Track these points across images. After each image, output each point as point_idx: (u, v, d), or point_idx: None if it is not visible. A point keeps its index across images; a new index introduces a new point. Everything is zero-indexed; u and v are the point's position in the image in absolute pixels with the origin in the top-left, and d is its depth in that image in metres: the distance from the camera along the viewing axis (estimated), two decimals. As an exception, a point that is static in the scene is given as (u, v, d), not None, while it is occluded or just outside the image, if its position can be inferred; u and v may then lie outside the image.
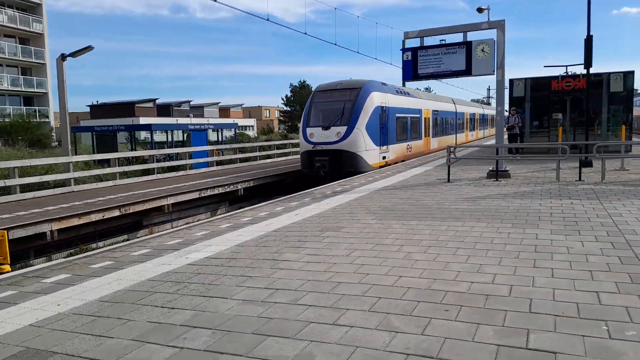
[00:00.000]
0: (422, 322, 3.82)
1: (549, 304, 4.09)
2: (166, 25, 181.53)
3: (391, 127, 20.46)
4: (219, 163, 22.33)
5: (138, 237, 13.28)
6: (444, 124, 29.80)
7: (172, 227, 14.44)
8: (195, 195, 15.08)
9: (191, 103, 59.29)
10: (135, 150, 24.98)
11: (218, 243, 7.12)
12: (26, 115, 39.98)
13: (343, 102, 18.66)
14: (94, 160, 19.03)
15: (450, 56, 14.19)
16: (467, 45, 13.83)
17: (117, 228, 12.89)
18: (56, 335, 3.93)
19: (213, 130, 30.03)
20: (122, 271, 5.81)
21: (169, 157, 22.90)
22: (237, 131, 37.75)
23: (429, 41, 14.69)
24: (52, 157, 18.18)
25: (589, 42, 14.88)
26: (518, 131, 19.73)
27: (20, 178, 14.19)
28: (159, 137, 31.73)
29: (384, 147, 19.73)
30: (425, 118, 25.31)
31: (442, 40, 16.10)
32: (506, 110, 19.14)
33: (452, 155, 13.76)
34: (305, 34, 22.26)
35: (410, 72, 14.71)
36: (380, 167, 19.06)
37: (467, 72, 14.03)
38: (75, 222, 11.27)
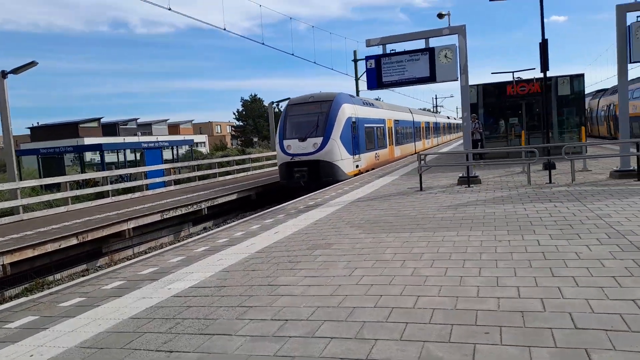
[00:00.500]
0: (467, 350, 3.40)
1: (591, 317, 3.78)
2: (106, 41, 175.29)
3: (361, 137, 21.08)
4: (176, 182, 21.33)
5: (99, 267, 12.33)
6: (404, 132, 30.81)
7: (134, 253, 13.52)
8: (157, 217, 14.18)
9: (138, 121, 57.16)
10: (85, 172, 23.60)
11: (200, 269, 6.49)
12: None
13: (317, 114, 19.15)
14: (41, 186, 17.71)
15: (413, 63, 14.07)
16: (430, 52, 13.75)
17: (74, 258, 11.86)
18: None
19: (167, 148, 28.95)
20: (98, 309, 5.11)
21: (122, 179, 21.72)
22: (192, 148, 36.64)
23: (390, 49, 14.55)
24: (-5, 184, 16.73)
25: (544, 46, 15.17)
26: (479, 136, 19.99)
27: (-40, 208, 12.90)
28: (108, 157, 30.24)
29: (357, 156, 20.33)
30: (388, 127, 26.17)
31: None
32: None
33: (422, 163, 13.59)
34: (263, 44, 22.35)
35: (375, 80, 14.46)
36: (355, 175, 19.56)
37: (431, 78, 13.94)
38: (30, 253, 10.22)
